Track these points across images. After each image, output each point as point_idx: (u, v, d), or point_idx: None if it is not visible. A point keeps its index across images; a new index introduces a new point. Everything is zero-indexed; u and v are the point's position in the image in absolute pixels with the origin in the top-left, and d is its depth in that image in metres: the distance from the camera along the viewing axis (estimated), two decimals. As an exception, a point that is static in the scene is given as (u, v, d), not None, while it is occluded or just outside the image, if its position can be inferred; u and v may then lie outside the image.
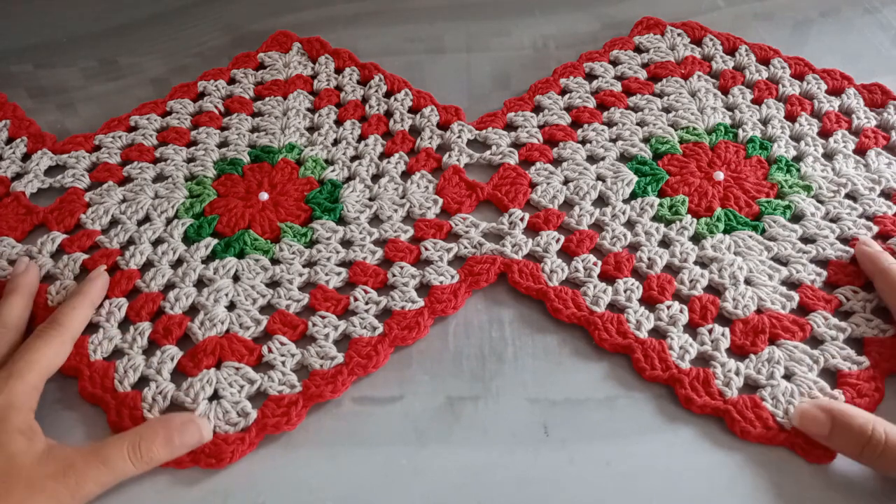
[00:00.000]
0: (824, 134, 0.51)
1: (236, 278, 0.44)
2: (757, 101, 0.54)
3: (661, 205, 0.47)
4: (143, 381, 0.39)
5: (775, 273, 0.43)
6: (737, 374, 0.39)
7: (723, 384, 0.39)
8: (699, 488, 0.36)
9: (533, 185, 0.49)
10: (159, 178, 0.50)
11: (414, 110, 0.54)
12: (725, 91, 0.54)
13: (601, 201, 0.48)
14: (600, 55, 0.57)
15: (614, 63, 0.57)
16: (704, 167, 0.49)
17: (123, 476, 0.34)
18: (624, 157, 0.51)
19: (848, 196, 0.47)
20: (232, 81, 0.57)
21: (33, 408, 0.35)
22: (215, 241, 0.46)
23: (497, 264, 0.44)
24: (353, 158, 0.51)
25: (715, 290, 0.43)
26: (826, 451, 0.36)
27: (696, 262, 0.44)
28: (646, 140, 0.51)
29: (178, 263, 0.45)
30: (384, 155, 0.51)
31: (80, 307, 0.40)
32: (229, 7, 0.64)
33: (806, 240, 0.45)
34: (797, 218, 0.47)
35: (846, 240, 0.45)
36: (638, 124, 0.52)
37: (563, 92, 0.55)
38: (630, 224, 0.46)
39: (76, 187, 0.49)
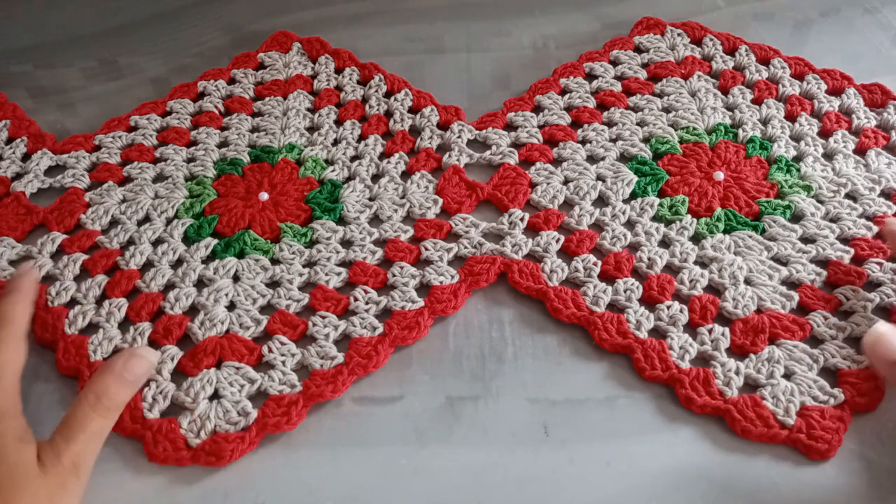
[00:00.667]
0: (824, 134, 0.51)
1: (236, 278, 0.44)
2: (757, 101, 0.54)
3: (661, 205, 0.47)
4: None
5: (775, 273, 0.43)
6: (737, 373, 0.39)
7: (723, 384, 0.39)
8: (699, 488, 0.36)
9: (533, 185, 0.49)
10: (159, 178, 0.50)
11: (414, 110, 0.54)
12: (725, 91, 0.54)
13: (601, 201, 0.48)
14: (600, 55, 0.57)
15: (614, 63, 0.57)
16: (704, 167, 0.49)
17: (102, 432, 0.35)
18: (624, 157, 0.51)
19: (848, 196, 0.47)
20: (232, 81, 0.57)
21: (21, 409, 0.35)
22: (215, 241, 0.46)
23: (497, 264, 0.44)
24: (353, 158, 0.51)
25: (715, 289, 0.43)
26: (827, 448, 0.36)
27: (696, 262, 0.44)
28: (646, 140, 0.51)
29: (178, 263, 0.45)
30: (384, 155, 0.51)
31: (17, 302, 0.38)
32: (229, 7, 0.64)
33: (806, 240, 0.45)
34: (797, 218, 0.47)
35: (846, 240, 0.45)
36: (638, 124, 0.52)
37: (563, 92, 0.55)
38: (630, 224, 0.46)
39: (76, 187, 0.49)
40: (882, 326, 0.37)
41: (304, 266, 0.45)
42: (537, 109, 0.54)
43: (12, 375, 0.36)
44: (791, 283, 0.43)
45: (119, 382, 0.36)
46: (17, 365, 0.36)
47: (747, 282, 0.43)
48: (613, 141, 0.51)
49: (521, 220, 0.46)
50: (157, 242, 0.46)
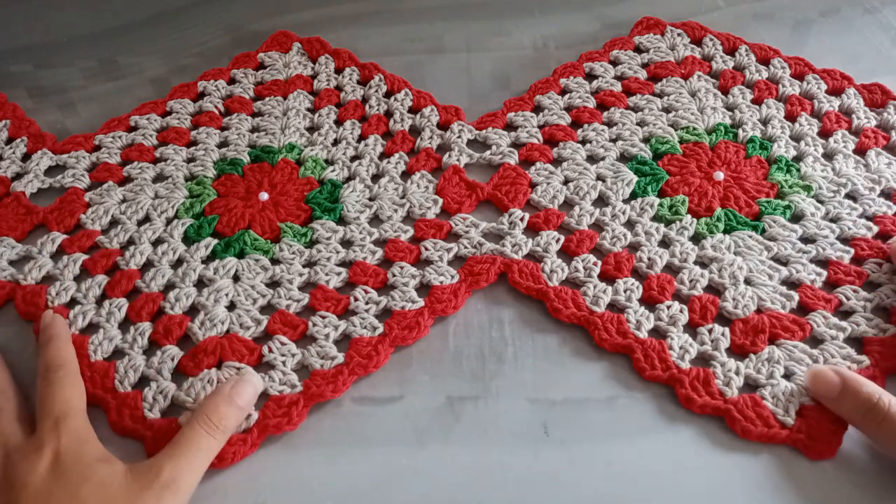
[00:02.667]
0: (824, 134, 0.51)
1: (236, 278, 0.44)
2: (757, 101, 0.54)
3: (661, 205, 0.47)
4: (144, 381, 0.40)
5: (775, 273, 0.43)
6: (737, 373, 0.39)
7: (723, 384, 0.39)
8: (699, 488, 0.36)
9: (533, 185, 0.49)
10: (159, 178, 0.50)
11: (414, 110, 0.54)
12: (725, 91, 0.54)
13: (601, 201, 0.48)
14: (600, 55, 0.57)
15: (614, 63, 0.57)
16: (704, 167, 0.49)
17: (209, 451, 0.35)
18: (624, 157, 0.51)
19: (848, 196, 0.47)
20: (232, 81, 0.57)
21: (96, 438, 0.35)
22: (215, 241, 0.46)
23: (497, 264, 0.44)
24: (353, 158, 0.51)
25: (715, 289, 0.43)
26: (827, 447, 0.36)
27: (696, 262, 0.44)
28: (646, 140, 0.51)
29: (178, 263, 0.45)
30: (384, 155, 0.51)
31: (62, 346, 0.39)
32: (229, 7, 0.64)
33: (806, 240, 0.45)
34: (797, 218, 0.47)
35: (846, 240, 0.45)
36: (638, 124, 0.52)
37: (563, 92, 0.55)
38: (630, 224, 0.46)
39: (76, 187, 0.49)
40: (815, 367, 0.38)
41: (304, 266, 0.45)
42: (537, 109, 0.54)
43: (81, 408, 0.36)
44: (791, 283, 0.43)
45: (228, 404, 0.36)
46: (82, 400, 0.37)
47: (747, 282, 0.43)
48: (613, 141, 0.51)
49: (521, 220, 0.46)
50: (157, 242, 0.46)
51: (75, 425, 0.35)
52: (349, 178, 0.50)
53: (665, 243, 0.46)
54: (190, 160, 0.51)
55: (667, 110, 0.53)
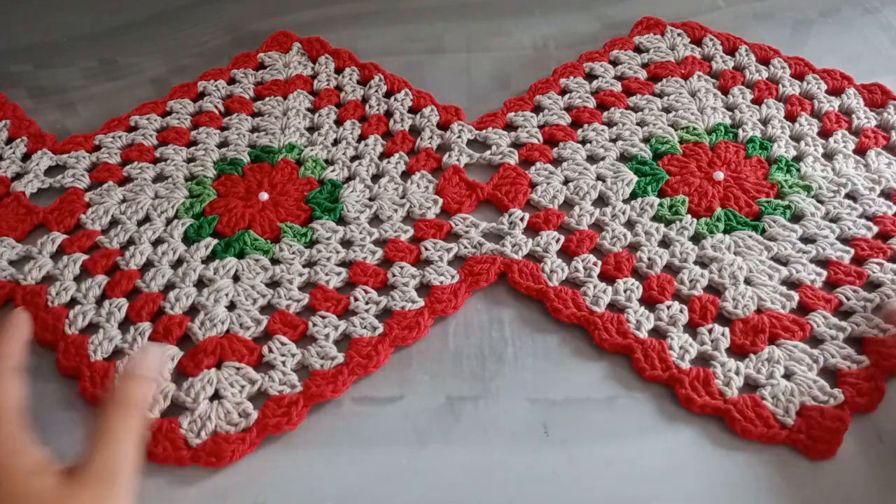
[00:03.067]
0: (824, 134, 0.51)
1: (236, 278, 0.44)
2: (757, 101, 0.54)
3: (661, 205, 0.47)
4: (144, 381, 0.40)
5: (775, 273, 0.43)
6: (737, 373, 0.39)
7: (723, 384, 0.39)
8: (699, 488, 0.36)
9: (533, 185, 0.49)
10: (159, 178, 0.50)
11: (414, 110, 0.54)
12: (725, 91, 0.54)
13: (601, 201, 0.48)
14: (600, 55, 0.57)
15: (614, 63, 0.57)
16: (704, 167, 0.49)
17: (128, 432, 0.32)
18: (624, 157, 0.51)
19: (848, 196, 0.47)
20: (232, 81, 0.57)
21: (30, 444, 0.33)
22: (215, 241, 0.46)
23: (497, 264, 0.44)
24: (353, 158, 0.51)
25: (715, 289, 0.43)
26: (827, 447, 0.36)
27: (696, 262, 0.44)
28: (646, 140, 0.51)
29: (178, 263, 0.45)
30: (384, 155, 0.51)
31: (6, 339, 0.36)
32: (229, 7, 0.64)
33: (806, 240, 0.45)
34: (797, 218, 0.47)
35: (846, 240, 0.45)
36: (638, 124, 0.52)
37: (563, 92, 0.55)
38: (630, 224, 0.46)
39: (76, 187, 0.49)
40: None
41: (304, 266, 0.45)
42: (537, 109, 0.54)
43: (11, 412, 0.34)
44: (791, 283, 0.43)
45: (127, 378, 0.34)
46: (16, 400, 0.34)
47: (747, 282, 0.43)
48: (613, 141, 0.51)
49: (521, 220, 0.46)
50: (157, 242, 0.46)
51: (5, 433, 0.32)
52: (349, 178, 0.50)
53: (665, 243, 0.46)
54: (190, 160, 0.51)
55: (667, 110, 0.53)
